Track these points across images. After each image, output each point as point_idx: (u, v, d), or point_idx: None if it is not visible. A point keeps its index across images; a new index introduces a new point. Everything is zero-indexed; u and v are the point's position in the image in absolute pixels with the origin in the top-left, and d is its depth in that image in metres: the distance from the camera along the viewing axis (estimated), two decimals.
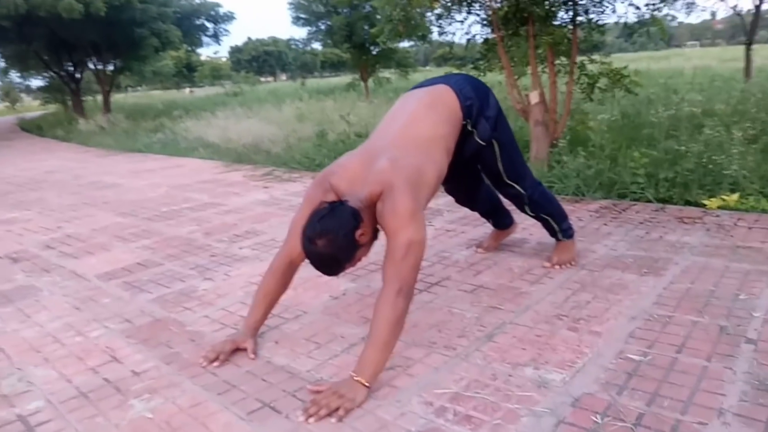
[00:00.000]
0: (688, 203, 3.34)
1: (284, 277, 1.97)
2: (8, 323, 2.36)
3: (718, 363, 1.65)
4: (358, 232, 1.69)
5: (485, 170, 2.38)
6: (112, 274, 2.89)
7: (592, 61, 4.87)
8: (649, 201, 3.41)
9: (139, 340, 2.11)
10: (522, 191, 2.37)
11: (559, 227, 2.52)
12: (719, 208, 3.17)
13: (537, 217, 2.51)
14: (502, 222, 2.79)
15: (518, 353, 1.80)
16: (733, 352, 1.70)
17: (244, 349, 1.92)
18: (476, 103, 2.12)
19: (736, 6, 10.82)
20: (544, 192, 2.47)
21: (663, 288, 2.20)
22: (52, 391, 1.79)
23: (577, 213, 3.28)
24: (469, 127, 2.13)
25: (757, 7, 10.52)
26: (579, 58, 4.67)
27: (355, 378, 1.61)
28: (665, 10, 4.59)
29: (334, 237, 1.65)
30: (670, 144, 3.65)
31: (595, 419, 1.44)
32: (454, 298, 2.27)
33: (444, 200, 3.87)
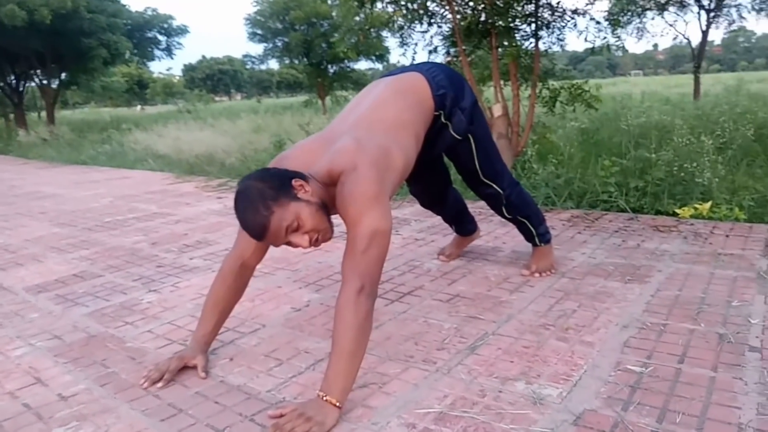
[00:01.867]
0: (659, 213, 3.26)
1: (236, 282, 1.73)
2: None
3: (726, 373, 1.50)
4: (297, 181, 1.48)
5: (460, 168, 2.21)
6: (43, 287, 2.57)
7: (551, 77, 4.87)
8: (621, 210, 3.32)
9: (69, 359, 1.82)
10: (499, 190, 2.21)
11: (536, 231, 2.37)
12: (692, 216, 3.10)
13: (513, 220, 2.35)
14: (466, 228, 2.63)
15: (506, 366, 1.61)
16: (739, 361, 1.55)
17: (194, 367, 1.66)
18: (450, 92, 1.93)
19: (684, 32, 11.24)
20: (521, 192, 2.31)
21: (650, 295, 2.06)
22: None
23: (549, 222, 3.09)
24: (443, 119, 1.96)
25: (704, 33, 10.94)
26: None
27: (323, 398, 1.37)
28: (618, 31, 4.61)
29: (267, 170, 1.51)
30: (639, 153, 3.58)
31: None
32: (429, 308, 2.07)
33: (411, 209, 3.70)
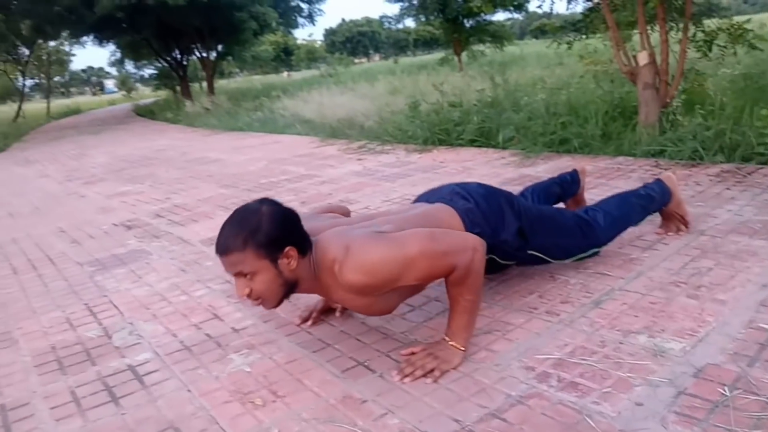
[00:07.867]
0: None
1: None
2: (122, 283, 2.51)
3: None
4: (292, 250, 1.44)
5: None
6: (214, 240, 2.98)
7: (710, 16, 4.45)
8: None
9: (238, 299, 2.16)
10: (590, 253, 2.05)
11: (647, 214, 2.20)
12: None
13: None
14: (568, 192, 2.45)
15: (629, 320, 1.65)
16: None
17: (335, 309, 1.92)
18: (486, 230, 1.73)
19: None
20: (610, 226, 2.05)
21: None
22: (159, 344, 1.87)
23: (694, 177, 3.00)
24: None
25: None
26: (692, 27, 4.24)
27: (448, 342, 1.54)
28: None
29: (289, 217, 1.47)
30: None
31: (723, 391, 1.28)
32: (556, 264, 2.12)
33: (545, 166, 3.69)
